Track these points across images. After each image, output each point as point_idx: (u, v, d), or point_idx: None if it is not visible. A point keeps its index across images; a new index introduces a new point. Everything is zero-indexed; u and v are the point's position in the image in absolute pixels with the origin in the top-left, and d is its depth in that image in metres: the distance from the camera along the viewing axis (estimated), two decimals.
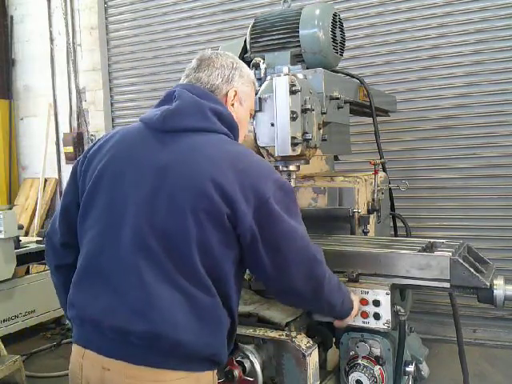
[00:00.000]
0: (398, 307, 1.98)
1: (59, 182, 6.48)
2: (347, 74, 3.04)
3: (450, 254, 1.99)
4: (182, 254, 1.44)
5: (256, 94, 2.03)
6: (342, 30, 2.88)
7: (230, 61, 1.74)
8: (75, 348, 1.57)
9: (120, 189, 1.53)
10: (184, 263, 1.44)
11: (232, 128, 1.66)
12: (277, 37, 2.74)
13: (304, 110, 2.13)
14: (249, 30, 2.85)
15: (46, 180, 6.47)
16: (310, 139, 2.15)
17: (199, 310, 1.46)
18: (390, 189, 3.23)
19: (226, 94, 1.71)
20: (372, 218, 2.71)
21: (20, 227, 4.58)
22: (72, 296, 1.57)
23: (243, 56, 2.87)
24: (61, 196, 6.20)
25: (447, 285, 1.94)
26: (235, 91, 1.72)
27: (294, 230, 1.56)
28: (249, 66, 2.54)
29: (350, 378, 2.01)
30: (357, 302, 1.93)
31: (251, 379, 1.82)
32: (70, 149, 6.25)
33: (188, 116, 1.56)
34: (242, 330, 1.93)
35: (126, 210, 1.49)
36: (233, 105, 1.72)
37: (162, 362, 1.44)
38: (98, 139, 1.73)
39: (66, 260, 1.71)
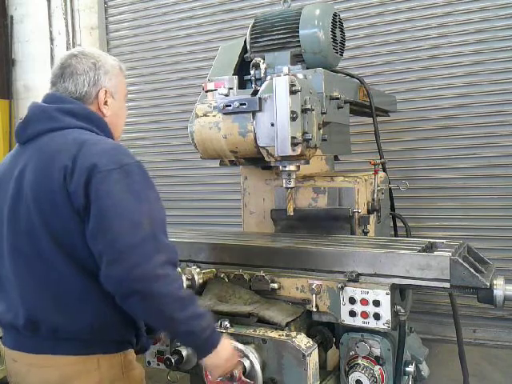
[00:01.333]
0: (398, 307, 1.98)
1: None
2: (347, 74, 3.04)
3: (450, 254, 1.99)
4: (40, 247, 1.54)
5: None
6: (342, 30, 2.88)
7: (92, 62, 1.75)
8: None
9: (0, 204, 1.66)
10: (46, 256, 1.54)
11: (93, 122, 1.69)
12: (277, 37, 2.74)
13: (304, 110, 2.13)
14: (249, 30, 2.85)
15: None
16: (310, 139, 2.15)
17: (70, 294, 1.54)
18: (390, 189, 3.23)
19: (97, 97, 1.75)
20: (372, 218, 2.71)
21: None
22: None
23: (243, 56, 2.87)
24: None
25: (447, 285, 1.94)
26: (105, 90, 1.76)
27: (126, 211, 1.48)
28: (249, 66, 2.56)
29: (349, 378, 2.01)
30: (228, 349, 1.71)
31: (251, 382, 1.82)
32: None
33: (34, 122, 1.67)
34: (242, 330, 1.93)
35: (3, 222, 1.64)
36: (106, 103, 1.76)
37: (52, 348, 1.56)
38: None
39: None
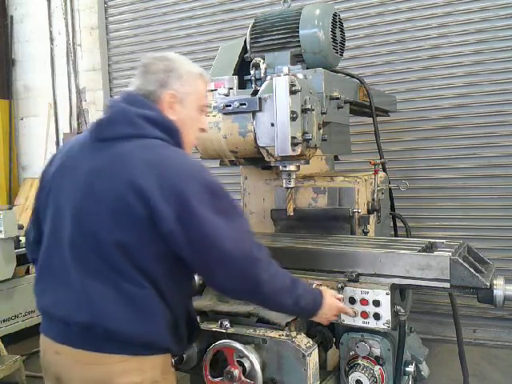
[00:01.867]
0: (398, 307, 1.98)
1: None
2: (347, 74, 3.04)
3: (450, 254, 2.00)
4: (108, 253, 1.56)
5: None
6: (342, 30, 2.88)
7: (165, 64, 1.75)
8: (40, 336, 1.75)
9: (62, 194, 1.68)
10: (111, 260, 1.56)
11: (170, 132, 1.69)
12: (277, 37, 2.74)
13: (304, 110, 2.13)
14: (249, 30, 2.85)
15: None
16: (310, 139, 2.15)
17: (129, 301, 1.56)
18: (390, 189, 3.23)
19: (162, 98, 1.73)
20: (372, 218, 2.71)
21: (20, 227, 4.57)
22: (34, 289, 1.75)
23: (243, 56, 2.87)
24: None
25: (447, 285, 1.94)
26: (172, 94, 1.73)
27: (221, 230, 1.56)
28: (249, 66, 2.56)
29: (349, 378, 2.01)
30: (330, 302, 1.89)
31: (251, 382, 1.82)
32: None
33: (116, 125, 1.65)
34: (242, 330, 1.93)
35: (66, 214, 1.64)
36: (172, 107, 1.74)
37: (101, 347, 1.58)
38: (61, 147, 1.89)
39: (38, 255, 1.84)
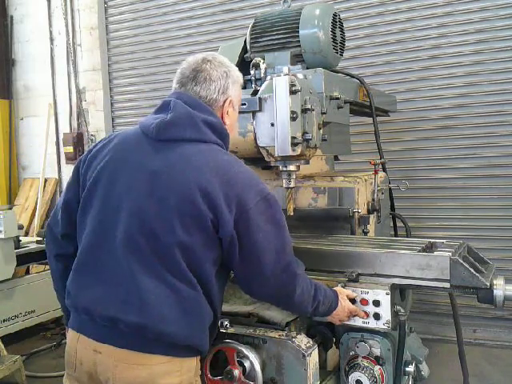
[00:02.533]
0: (398, 307, 1.98)
1: (59, 182, 6.48)
2: (347, 74, 3.04)
3: (450, 253, 1.99)
4: (166, 253, 1.56)
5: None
6: (342, 30, 2.88)
7: (224, 70, 1.78)
8: (71, 332, 1.71)
9: (115, 190, 1.65)
10: (169, 261, 1.57)
11: (223, 137, 1.75)
12: (277, 37, 2.74)
13: (304, 110, 2.13)
14: (249, 30, 2.85)
15: (45, 180, 6.46)
16: (310, 139, 2.15)
17: (183, 303, 1.58)
18: (390, 189, 3.23)
19: (223, 105, 1.77)
20: (372, 218, 2.71)
21: (20, 227, 4.58)
22: (69, 285, 1.70)
23: (243, 56, 2.87)
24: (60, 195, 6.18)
25: (447, 285, 1.94)
26: (230, 100, 1.79)
27: (272, 241, 1.65)
28: (249, 66, 2.56)
29: (349, 378, 2.01)
30: (344, 304, 1.93)
31: (251, 382, 1.82)
32: (70, 149, 6.25)
33: (181, 127, 1.66)
34: (242, 330, 1.93)
35: (120, 210, 1.62)
36: (228, 113, 1.79)
37: (148, 348, 1.57)
38: (100, 141, 1.84)
39: (67, 250, 1.83)
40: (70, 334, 1.71)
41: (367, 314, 1.97)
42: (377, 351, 2.01)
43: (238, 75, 1.84)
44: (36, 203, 6.33)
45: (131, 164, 1.66)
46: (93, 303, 1.61)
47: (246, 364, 1.83)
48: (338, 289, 1.96)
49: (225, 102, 1.77)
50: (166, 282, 1.56)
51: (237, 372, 1.82)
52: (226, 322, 1.94)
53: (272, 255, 1.64)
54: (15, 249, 4.35)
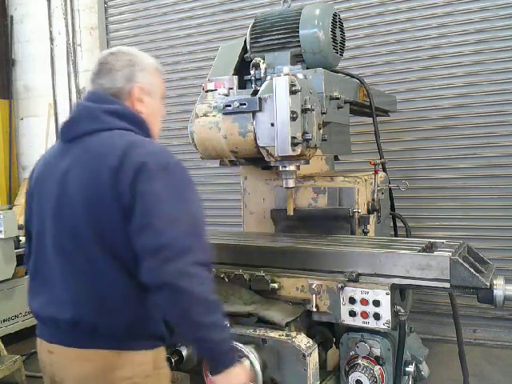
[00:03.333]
0: (398, 307, 1.98)
1: None
2: (347, 74, 3.04)
3: (450, 253, 2.00)
4: (85, 246, 1.58)
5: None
6: (342, 30, 2.88)
7: (128, 58, 1.78)
8: (37, 338, 1.79)
9: (43, 201, 1.72)
10: (89, 253, 1.58)
11: (135, 122, 1.73)
12: (277, 37, 2.74)
13: (304, 110, 2.13)
14: (249, 30, 2.85)
15: None
16: (310, 139, 2.15)
17: (111, 295, 1.58)
18: (390, 189, 3.23)
19: (130, 92, 1.77)
20: (372, 218, 2.71)
21: (20, 227, 4.57)
22: (27, 294, 1.79)
23: (243, 56, 2.87)
24: None
25: (447, 285, 1.94)
26: (139, 87, 1.78)
27: (171, 209, 1.54)
28: (249, 66, 2.56)
29: (349, 378, 2.01)
30: (240, 375, 1.64)
31: (251, 383, 1.82)
32: None
33: (80, 123, 1.70)
34: (242, 330, 1.93)
35: (46, 218, 1.68)
36: (141, 100, 1.78)
37: (91, 343, 1.60)
38: (41, 156, 1.91)
39: None
40: (37, 339, 1.79)
41: None
42: (377, 351, 2.01)
43: (148, 62, 1.82)
44: None
45: (49, 174, 1.72)
46: (39, 308, 1.71)
47: (246, 364, 1.83)
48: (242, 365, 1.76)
49: (132, 89, 1.76)
50: (93, 276, 1.58)
51: None
52: (226, 322, 1.94)
53: (164, 223, 1.51)
54: (15, 249, 4.35)
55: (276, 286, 2.15)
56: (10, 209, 4.42)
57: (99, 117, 1.68)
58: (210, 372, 1.63)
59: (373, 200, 2.74)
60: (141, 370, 1.63)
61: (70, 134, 1.71)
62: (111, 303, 1.58)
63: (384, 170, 3.28)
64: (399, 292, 2.21)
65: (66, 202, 1.62)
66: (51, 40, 6.43)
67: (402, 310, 1.98)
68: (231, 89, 2.38)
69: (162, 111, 1.91)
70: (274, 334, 1.89)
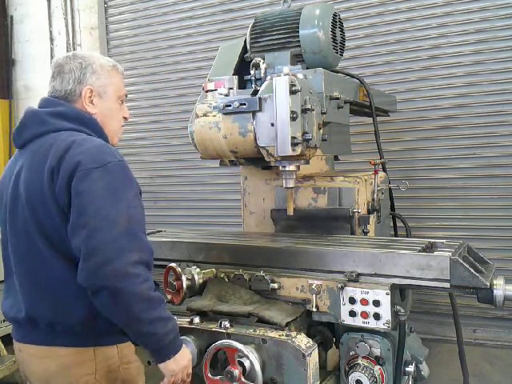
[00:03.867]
0: (398, 307, 1.98)
1: None
2: (347, 74, 3.04)
3: (450, 254, 1.99)
4: (36, 246, 1.63)
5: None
6: (342, 30, 2.88)
7: (79, 61, 1.82)
8: None
9: (2, 207, 1.79)
10: (40, 253, 1.63)
11: (80, 122, 1.75)
12: (277, 37, 2.74)
13: (304, 110, 2.13)
14: (249, 30, 2.85)
15: None
16: (310, 139, 2.15)
17: (64, 291, 1.62)
18: (390, 189, 3.23)
19: (80, 95, 1.80)
20: (372, 218, 2.71)
21: None
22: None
23: (243, 56, 2.87)
24: None
25: (447, 285, 1.94)
26: (90, 89, 1.80)
27: (105, 208, 1.53)
28: (249, 66, 2.56)
29: (349, 378, 2.01)
30: (186, 361, 1.71)
31: (251, 383, 1.82)
32: None
33: (27, 127, 1.77)
34: (242, 330, 1.93)
35: (6, 227, 1.75)
36: (92, 102, 1.81)
37: (50, 341, 1.66)
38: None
39: None
40: None
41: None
42: (377, 351, 2.01)
43: (100, 64, 1.84)
44: None
45: (7, 178, 1.79)
46: (7, 309, 1.79)
47: (246, 364, 1.84)
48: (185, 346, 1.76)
49: (82, 91, 1.79)
50: (44, 275, 1.63)
51: (237, 372, 1.82)
52: (226, 322, 1.94)
53: (100, 223, 1.51)
54: None
55: (276, 286, 2.15)
56: None
57: (46, 120, 1.73)
58: (156, 361, 1.66)
59: (373, 200, 2.74)
60: (103, 366, 1.66)
61: (21, 139, 1.79)
62: (64, 301, 1.63)
63: (384, 170, 3.28)
64: (399, 292, 2.21)
65: (18, 204, 1.69)
66: (51, 40, 6.43)
67: (402, 310, 1.98)
68: (231, 89, 2.38)
69: (121, 112, 1.92)
70: (274, 334, 1.89)
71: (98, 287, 1.50)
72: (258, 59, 2.53)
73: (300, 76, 2.21)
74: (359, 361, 2.02)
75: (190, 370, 1.76)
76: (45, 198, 1.60)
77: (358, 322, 1.98)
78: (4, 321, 4.34)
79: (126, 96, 1.99)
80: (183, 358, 1.69)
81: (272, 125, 2.13)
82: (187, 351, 1.75)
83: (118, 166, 1.61)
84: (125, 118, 1.97)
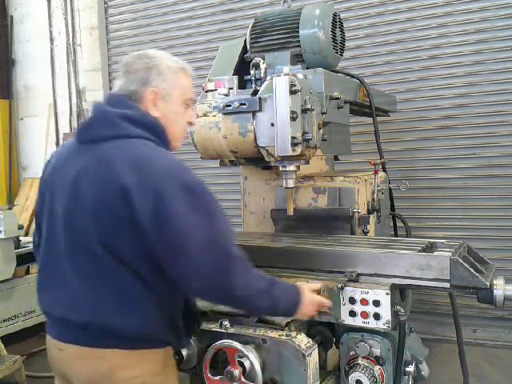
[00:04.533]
0: (398, 307, 1.98)
1: None
2: (347, 74, 3.04)
3: (450, 254, 1.99)
4: (97, 254, 1.59)
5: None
6: (342, 30, 2.88)
7: (145, 61, 1.76)
8: (46, 334, 1.81)
9: (54, 199, 1.71)
10: (102, 261, 1.59)
11: (148, 128, 1.70)
12: (277, 37, 2.74)
13: (304, 110, 2.13)
14: (249, 30, 2.85)
15: None
16: (310, 139, 2.15)
17: (122, 298, 1.61)
18: (390, 189, 3.23)
19: (144, 97, 1.74)
20: (372, 218, 2.71)
21: (20, 227, 4.57)
22: (36, 290, 1.80)
23: (243, 56, 2.87)
24: None
25: (447, 285, 1.94)
26: (153, 91, 1.74)
27: (196, 229, 1.56)
28: (249, 66, 2.56)
29: (349, 378, 2.01)
30: (309, 297, 1.86)
31: (251, 383, 1.82)
32: None
33: (97, 127, 1.69)
34: (242, 330, 1.93)
35: (57, 218, 1.69)
36: (155, 104, 1.75)
37: (103, 343, 1.63)
38: (53, 153, 1.91)
39: None
40: (46, 336, 1.81)
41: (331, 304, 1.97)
42: (377, 351, 2.01)
43: (168, 66, 1.77)
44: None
45: (63, 172, 1.71)
46: (48, 306, 1.74)
47: (246, 364, 1.84)
48: (300, 283, 1.93)
49: (145, 93, 1.73)
50: (101, 280, 1.60)
51: (237, 372, 1.82)
52: (226, 322, 1.94)
53: (200, 245, 1.55)
54: (15, 249, 4.35)
55: None
56: (10, 209, 4.42)
57: (117, 123, 1.66)
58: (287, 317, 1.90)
59: (373, 200, 2.74)
60: (150, 369, 1.67)
61: (87, 136, 1.70)
62: (121, 308, 1.61)
63: (384, 170, 3.28)
64: (399, 292, 2.21)
65: (78, 207, 1.63)
66: (51, 40, 6.44)
67: (402, 310, 1.98)
68: (231, 89, 2.38)
69: (185, 116, 1.85)
70: (274, 334, 1.89)
71: (219, 301, 1.81)
72: (257, 59, 2.53)
73: (300, 76, 2.21)
74: (359, 361, 2.02)
75: (318, 298, 1.92)
76: (115, 214, 1.55)
77: (357, 322, 1.98)
78: (4, 321, 4.35)
79: (193, 100, 1.91)
80: (307, 300, 1.84)
81: (272, 125, 2.13)
82: (306, 292, 1.86)
83: (199, 185, 1.63)
84: (189, 123, 1.91)
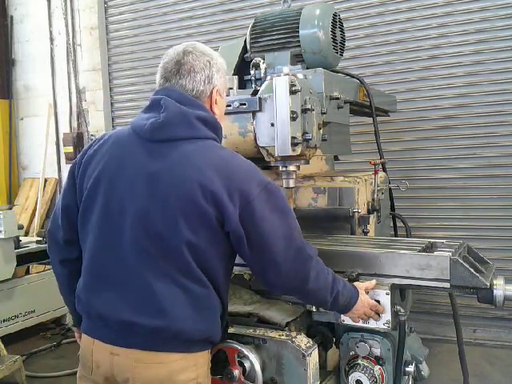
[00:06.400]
0: (398, 307, 1.98)
1: (59, 182, 6.48)
2: (347, 74, 3.04)
3: (450, 254, 1.99)
4: (174, 254, 1.57)
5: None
6: (342, 30, 2.88)
7: (206, 59, 1.76)
8: (84, 337, 1.73)
9: (115, 194, 1.64)
10: (178, 262, 1.58)
11: (216, 130, 1.73)
12: (277, 37, 2.74)
13: (304, 110, 2.13)
14: (249, 30, 2.85)
15: (45, 180, 6.47)
16: (310, 139, 2.15)
17: (195, 301, 1.60)
18: (390, 189, 3.23)
19: (211, 95, 1.75)
20: (372, 218, 2.71)
21: (20, 227, 4.57)
22: (79, 291, 1.71)
23: (243, 56, 2.87)
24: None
25: (447, 285, 1.94)
26: (217, 90, 1.76)
27: (277, 228, 1.64)
28: (249, 66, 2.56)
29: (349, 378, 2.01)
30: (363, 299, 1.89)
31: (251, 383, 1.82)
32: (70, 149, 6.24)
33: (175, 127, 1.64)
34: (242, 330, 1.93)
35: (124, 215, 1.61)
36: (216, 102, 1.77)
37: (165, 347, 1.60)
38: (94, 141, 1.82)
39: (71, 255, 1.83)
40: (85, 339, 1.72)
41: (379, 316, 1.94)
42: (377, 351, 2.01)
43: (221, 62, 1.80)
44: (36, 203, 6.33)
45: (129, 167, 1.64)
46: (106, 308, 1.62)
47: (246, 364, 1.84)
48: (356, 283, 1.93)
49: (212, 91, 1.74)
50: (176, 283, 1.58)
51: (237, 372, 1.82)
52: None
53: (281, 242, 1.63)
54: (15, 249, 4.35)
55: None
56: (10, 209, 4.41)
57: (194, 124, 1.65)
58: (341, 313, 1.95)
59: (373, 200, 2.74)
60: (203, 371, 1.68)
61: (162, 135, 1.63)
62: (196, 312, 1.60)
63: (384, 170, 3.28)
64: (399, 292, 2.21)
65: (158, 207, 1.58)
66: (51, 40, 6.43)
67: (402, 310, 1.98)
68: (231, 89, 2.38)
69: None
70: (274, 334, 1.89)
71: (292, 292, 1.86)
72: (257, 59, 2.53)
73: (300, 76, 2.21)
74: (359, 361, 2.02)
75: (372, 302, 1.92)
76: (202, 215, 1.56)
77: (358, 321, 1.98)
78: (4, 321, 4.35)
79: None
80: (361, 302, 1.87)
81: (272, 125, 2.13)
82: (362, 294, 1.88)
83: (273, 185, 1.71)
84: None
